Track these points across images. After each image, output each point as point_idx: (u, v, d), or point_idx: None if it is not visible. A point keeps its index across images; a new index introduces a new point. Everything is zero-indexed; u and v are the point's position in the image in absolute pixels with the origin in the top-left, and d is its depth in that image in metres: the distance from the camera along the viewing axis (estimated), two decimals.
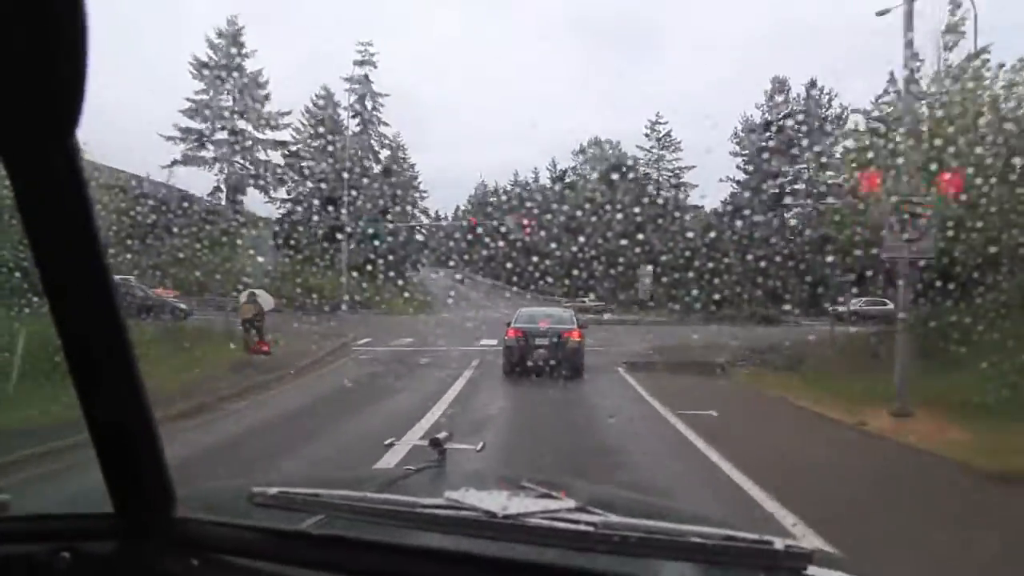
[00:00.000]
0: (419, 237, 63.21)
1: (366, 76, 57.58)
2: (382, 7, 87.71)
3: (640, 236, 52.12)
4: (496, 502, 1.48)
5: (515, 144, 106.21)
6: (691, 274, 48.49)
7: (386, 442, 4.31)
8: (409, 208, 63.25)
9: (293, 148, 53.20)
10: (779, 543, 1.31)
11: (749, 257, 45.82)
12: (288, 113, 51.98)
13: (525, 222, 45.38)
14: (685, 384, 15.61)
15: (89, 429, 1.42)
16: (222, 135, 51.02)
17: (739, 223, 53.87)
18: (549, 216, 56.08)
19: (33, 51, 0.93)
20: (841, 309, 44.62)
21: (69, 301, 1.28)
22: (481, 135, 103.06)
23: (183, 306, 27.33)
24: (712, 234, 52.10)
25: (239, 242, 42.33)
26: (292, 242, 46.67)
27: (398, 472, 2.20)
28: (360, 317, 34.84)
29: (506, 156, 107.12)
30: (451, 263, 69.88)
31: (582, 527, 1.39)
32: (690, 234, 53.37)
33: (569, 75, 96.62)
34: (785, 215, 57.80)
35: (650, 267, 38.75)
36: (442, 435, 2.15)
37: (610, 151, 68.98)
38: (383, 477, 2.16)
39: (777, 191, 59.89)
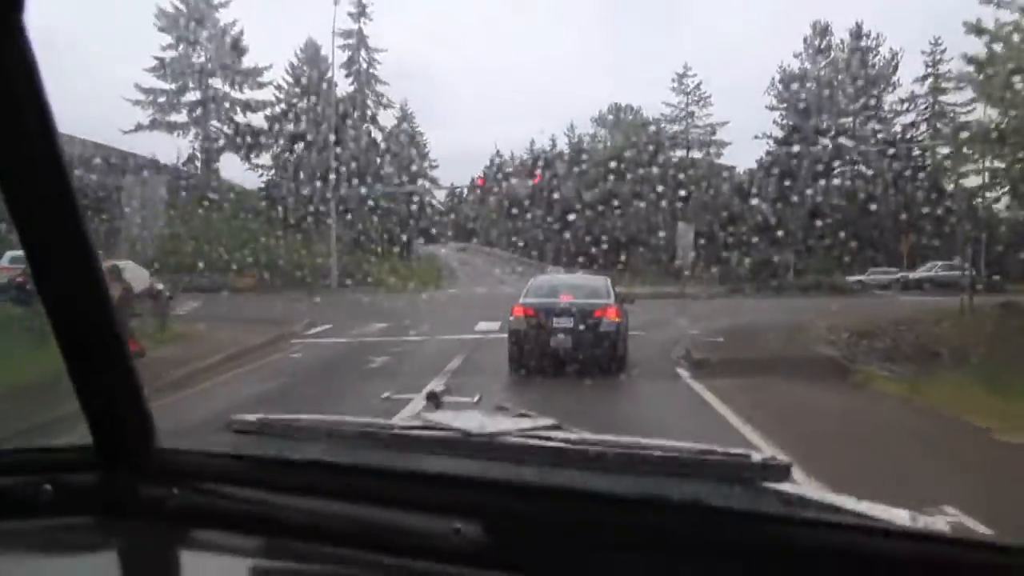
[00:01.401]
0: (425, 206, 57.36)
1: (360, 30, 51.31)
2: None
3: (670, 197, 45.99)
4: (471, 422, 1.50)
5: (533, 118, 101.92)
6: (733, 239, 42.32)
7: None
8: (418, 180, 56.99)
9: (276, 109, 47.06)
10: (756, 456, 1.31)
11: (803, 219, 39.72)
12: (268, 68, 45.86)
13: (536, 178, 39.27)
14: (804, 404, 9.09)
15: (66, 363, 1.41)
16: (194, 95, 44.97)
17: (788, 182, 47.41)
18: (568, 183, 49.70)
19: None
20: (913, 275, 38.36)
21: (39, 231, 1.26)
22: (499, 110, 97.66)
23: (160, 287, 21.75)
24: (758, 194, 45.66)
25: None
26: (276, 213, 41.31)
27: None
28: (341, 296, 29.09)
29: (524, 130, 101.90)
30: (459, 235, 64.38)
31: (557, 444, 1.42)
32: (730, 194, 46.92)
33: (589, 44, 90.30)
34: (844, 171, 50.87)
35: (691, 225, 32.20)
36: (439, 389, 2.04)
37: (631, 117, 62.48)
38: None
39: (827, 146, 53.18)
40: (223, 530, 1.44)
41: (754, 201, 46.64)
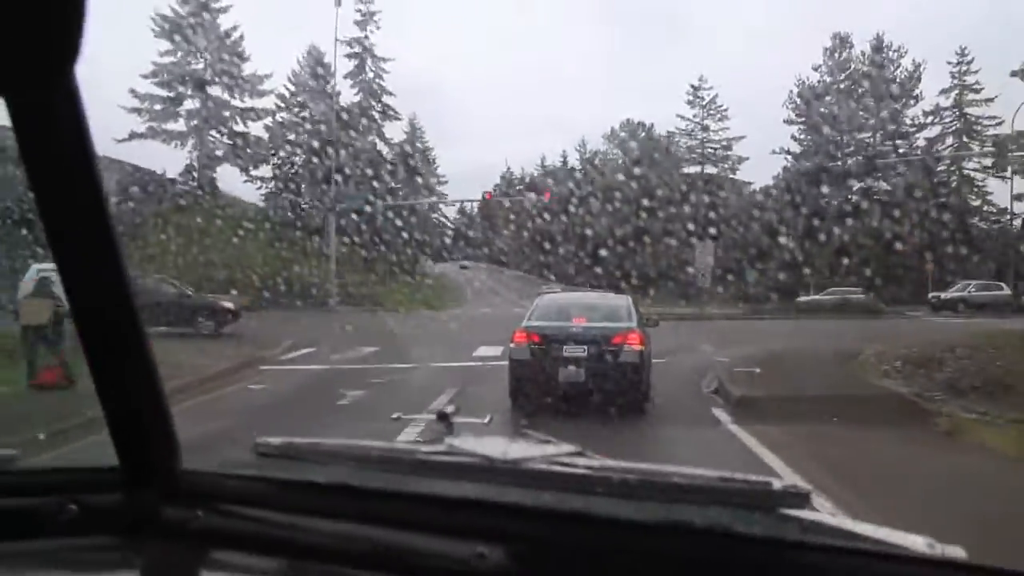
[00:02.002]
0: (432, 223, 55.52)
1: (366, 38, 49.72)
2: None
3: (685, 214, 43.93)
4: (495, 448, 1.50)
5: (544, 137, 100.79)
6: (753, 258, 40.22)
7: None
8: (424, 193, 55.09)
9: (277, 119, 45.39)
10: (777, 483, 1.32)
11: (829, 236, 37.51)
12: (269, 76, 44.19)
13: (546, 194, 37.52)
14: (893, 464, 6.36)
15: (95, 383, 1.42)
16: (193, 104, 43.32)
17: (807, 199, 45.29)
18: (579, 200, 47.69)
19: None
20: (944, 296, 36.13)
21: (73, 252, 1.30)
22: (509, 127, 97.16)
23: (229, 305, 21.64)
24: (777, 211, 43.48)
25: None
26: (275, 228, 39.57)
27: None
28: (337, 316, 27.26)
29: (535, 148, 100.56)
30: (469, 253, 62.49)
31: (580, 471, 1.42)
32: (749, 211, 44.80)
33: (601, 61, 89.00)
34: (865, 187, 48.73)
35: (710, 243, 30.08)
36: (450, 409, 1.99)
37: (643, 134, 60.57)
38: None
39: (847, 162, 51.02)
40: (247, 552, 1.45)
41: (773, 218, 44.64)
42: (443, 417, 1.92)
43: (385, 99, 50.64)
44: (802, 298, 36.98)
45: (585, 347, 9.51)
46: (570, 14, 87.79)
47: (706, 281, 29.00)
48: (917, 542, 1.20)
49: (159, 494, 1.49)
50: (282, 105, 45.53)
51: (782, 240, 41.33)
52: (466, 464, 1.48)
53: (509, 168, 73.40)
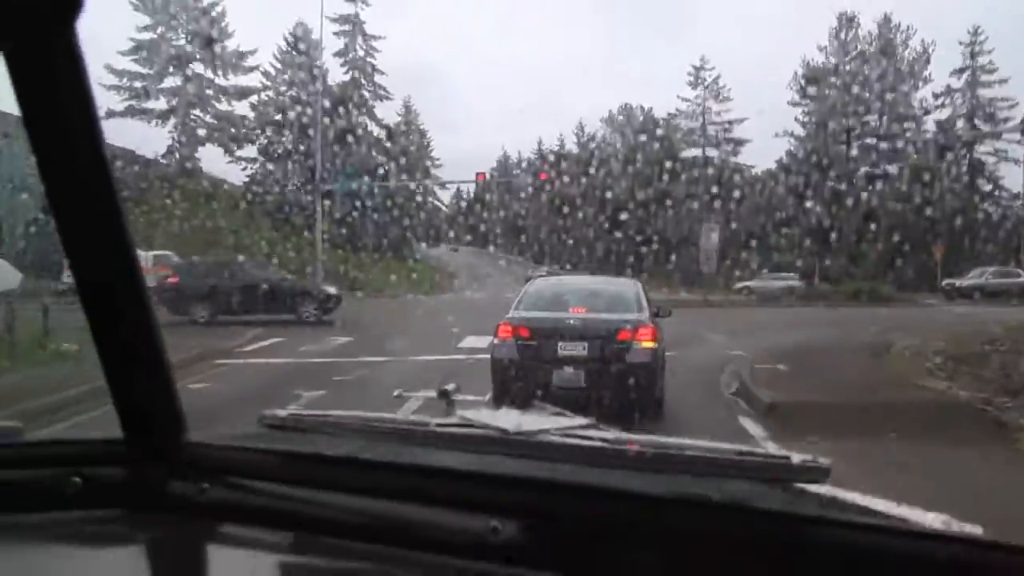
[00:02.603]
0: (425, 206, 53.75)
1: (356, 15, 47.85)
2: None
3: (685, 197, 42.39)
4: (509, 420, 1.47)
5: (543, 122, 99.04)
6: (759, 243, 38.60)
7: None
8: (418, 176, 53.23)
9: (262, 97, 43.61)
10: (796, 458, 1.29)
11: (841, 221, 36.03)
12: (253, 53, 42.36)
13: (542, 175, 35.91)
14: (990, 503, 5.19)
15: (100, 355, 1.40)
16: (174, 81, 41.51)
17: (813, 183, 43.72)
18: (576, 182, 45.99)
19: None
20: (960, 283, 34.55)
21: (77, 221, 1.27)
22: (507, 112, 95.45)
23: (332, 290, 20.90)
24: (783, 195, 41.95)
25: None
26: (260, 209, 38.06)
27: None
28: None
29: (533, 133, 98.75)
30: (462, 237, 60.77)
31: (595, 443, 1.41)
32: (754, 195, 43.23)
33: (602, 46, 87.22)
34: (873, 172, 47.05)
35: (715, 227, 28.42)
36: (450, 386, 1.95)
37: (641, 117, 58.69)
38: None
39: (853, 145, 49.30)
40: (253, 525, 1.41)
41: (777, 202, 43.07)
42: (444, 395, 1.92)
43: (377, 78, 48.89)
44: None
45: (585, 344, 7.77)
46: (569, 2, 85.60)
47: (711, 266, 27.33)
48: (934, 519, 1.20)
49: (165, 467, 1.47)
50: (267, 83, 43.74)
51: (784, 226, 39.95)
52: (478, 436, 1.46)
53: (506, 152, 71.70)
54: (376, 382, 10.26)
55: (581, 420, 1.52)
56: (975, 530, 1.14)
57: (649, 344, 7.77)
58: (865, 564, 1.11)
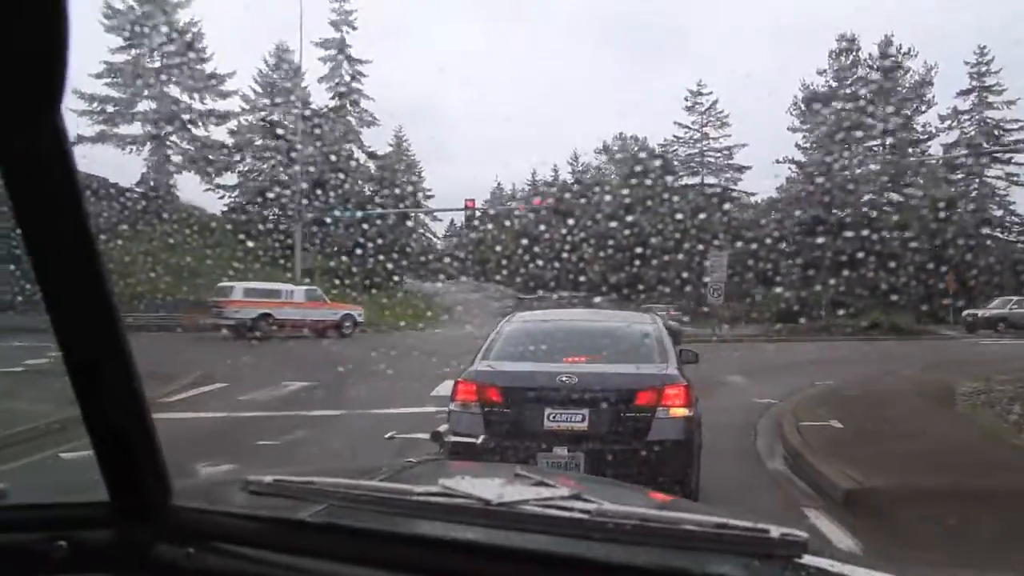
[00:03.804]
0: (414, 238, 51.61)
1: (342, 39, 46.08)
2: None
3: (681, 226, 40.28)
4: (490, 490, 1.47)
5: (536, 154, 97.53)
6: (767, 274, 36.55)
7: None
8: (402, 206, 51.13)
9: (241, 121, 41.60)
10: (775, 531, 1.28)
11: (852, 249, 33.95)
12: (232, 76, 40.45)
13: (536, 200, 33.98)
14: None
15: (84, 418, 1.37)
16: (148, 105, 39.52)
17: (815, 212, 41.73)
18: (570, 213, 43.95)
19: (9, 23, 0.89)
20: (982, 313, 32.41)
21: (62, 288, 1.26)
22: (500, 145, 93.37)
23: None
24: (784, 224, 39.96)
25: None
26: (236, 240, 35.87)
27: (398, 464, 2.10)
28: (284, 340, 23.53)
29: (526, 166, 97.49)
30: (453, 268, 58.55)
31: (576, 514, 1.39)
32: (756, 224, 41.26)
33: (597, 77, 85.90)
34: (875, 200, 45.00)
35: (724, 253, 26.28)
36: (442, 428, 2.07)
37: (635, 147, 56.90)
38: (383, 469, 2.01)
39: (855, 172, 47.42)
40: None
41: (780, 232, 41.12)
42: (436, 436, 2.00)
43: (364, 104, 47.02)
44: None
45: (585, 412, 5.18)
46: (565, 31, 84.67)
47: (719, 297, 25.12)
48: None
49: (151, 530, 1.46)
50: (247, 107, 41.77)
51: (787, 257, 37.94)
52: (460, 506, 1.45)
53: (499, 183, 69.76)
54: (305, 446, 7.95)
55: (564, 491, 1.50)
56: None
57: (682, 411, 5.18)
58: None
